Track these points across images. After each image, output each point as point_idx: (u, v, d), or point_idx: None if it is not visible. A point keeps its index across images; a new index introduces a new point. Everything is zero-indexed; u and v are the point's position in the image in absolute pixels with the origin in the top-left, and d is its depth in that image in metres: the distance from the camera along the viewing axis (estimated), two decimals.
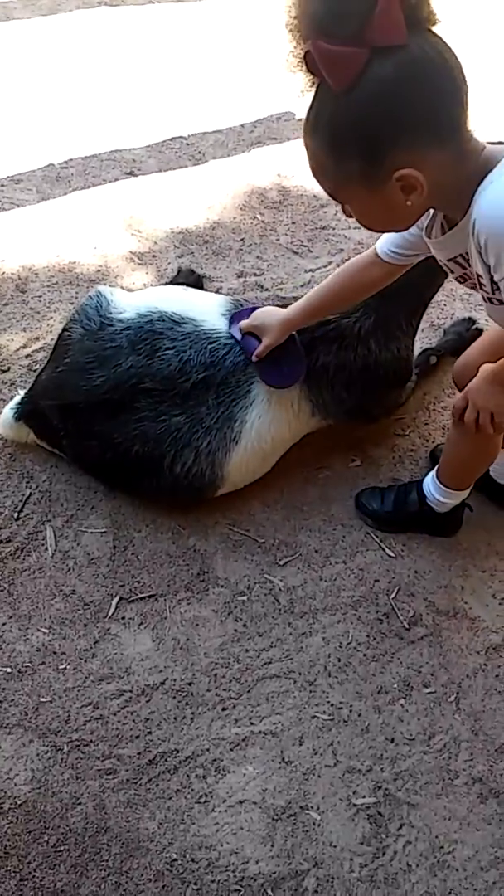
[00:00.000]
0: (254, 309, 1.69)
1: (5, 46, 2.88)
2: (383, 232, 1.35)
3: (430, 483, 1.70)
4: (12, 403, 1.80)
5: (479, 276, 1.18)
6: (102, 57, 2.88)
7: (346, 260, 2.32)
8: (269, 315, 1.64)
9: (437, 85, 0.98)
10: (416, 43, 0.95)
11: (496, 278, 1.13)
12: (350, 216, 1.16)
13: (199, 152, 2.59)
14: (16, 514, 1.74)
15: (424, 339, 2.10)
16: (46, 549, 1.69)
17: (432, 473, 1.69)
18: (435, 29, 0.98)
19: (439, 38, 0.98)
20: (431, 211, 1.25)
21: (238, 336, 1.67)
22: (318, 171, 1.10)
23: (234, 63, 2.93)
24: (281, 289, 2.24)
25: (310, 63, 0.98)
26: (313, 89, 1.04)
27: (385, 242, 1.45)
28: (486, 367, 1.38)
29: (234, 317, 1.70)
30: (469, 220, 1.10)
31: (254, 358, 1.63)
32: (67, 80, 2.78)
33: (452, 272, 1.30)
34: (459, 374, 1.60)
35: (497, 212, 1.06)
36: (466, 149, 1.06)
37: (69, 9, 3.10)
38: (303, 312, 1.61)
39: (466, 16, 3.29)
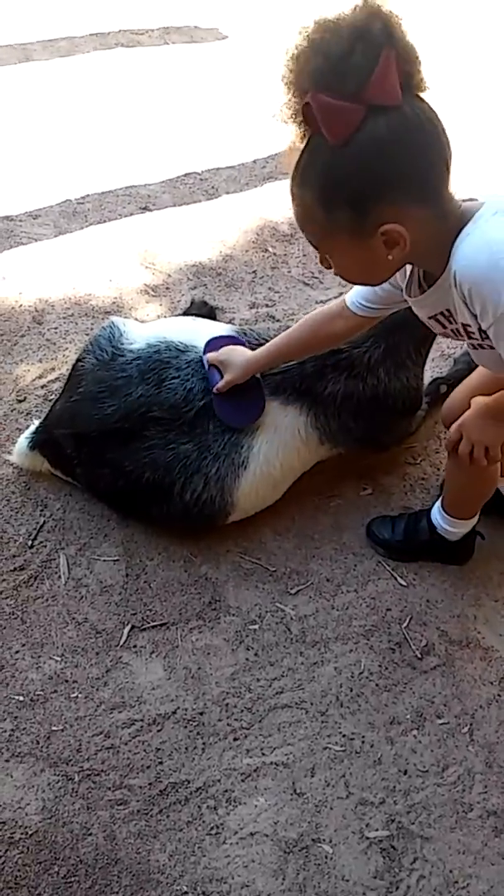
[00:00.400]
0: (230, 339, 1.71)
1: (25, 87, 2.97)
2: (360, 284, 1.38)
3: (436, 513, 1.70)
4: (27, 433, 1.82)
5: (466, 326, 1.21)
6: (119, 96, 2.97)
7: None
8: (235, 353, 1.66)
9: (425, 146, 1.04)
10: (408, 105, 1.01)
11: (483, 326, 1.16)
12: (329, 268, 1.20)
13: (213, 187, 2.65)
14: (30, 542, 1.76)
15: (434, 367, 2.12)
16: (59, 576, 1.71)
17: (438, 503, 1.69)
18: (423, 95, 1.04)
19: (427, 103, 1.04)
20: (408, 270, 1.28)
21: (205, 364, 1.68)
22: (305, 220, 1.14)
23: (246, 101, 3.00)
24: (292, 319, 2.26)
25: (307, 115, 1.03)
26: (302, 142, 1.08)
27: (355, 295, 1.48)
28: (480, 401, 1.39)
29: (209, 343, 1.71)
30: (449, 273, 1.14)
31: (213, 391, 1.65)
32: (84, 119, 2.86)
33: (433, 329, 1.33)
34: (447, 415, 1.61)
35: (475, 259, 1.10)
36: (447, 208, 1.11)
37: (86, 50, 3.20)
38: (267, 355, 1.64)
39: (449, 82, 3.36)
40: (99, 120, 2.86)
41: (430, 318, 1.30)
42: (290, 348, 1.62)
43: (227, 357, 1.66)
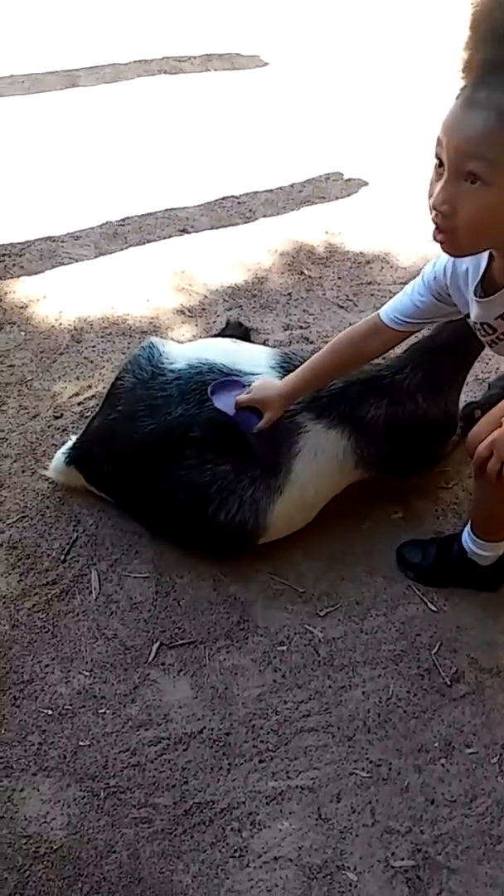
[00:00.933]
0: (236, 383, 1.66)
1: (71, 112, 3.05)
2: (472, 247, 1.23)
3: (466, 537, 1.69)
4: (64, 448, 1.86)
5: None
6: (161, 121, 3.03)
7: None
8: (266, 389, 1.61)
9: None
10: None
11: None
12: (447, 211, 1.10)
13: (250, 210, 2.69)
14: (62, 557, 1.78)
15: (469, 392, 2.11)
16: (91, 592, 1.73)
17: (468, 526, 1.68)
18: None
19: None
20: (481, 268, 1.27)
21: (229, 411, 1.61)
22: (473, 144, 1.04)
23: (284, 127, 3.05)
24: (326, 341, 2.27)
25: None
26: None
27: (391, 311, 1.47)
28: None
29: (215, 388, 1.65)
30: None
31: (254, 431, 1.60)
32: (127, 143, 2.93)
33: (488, 332, 1.32)
34: (474, 437, 1.55)
35: None
36: None
37: (130, 77, 3.28)
38: (302, 382, 1.59)
39: None
40: (141, 144, 2.92)
41: (498, 317, 1.28)
42: (324, 372, 1.61)
43: (261, 395, 1.61)
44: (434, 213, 1.14)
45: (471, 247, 1.21)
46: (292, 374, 1.62)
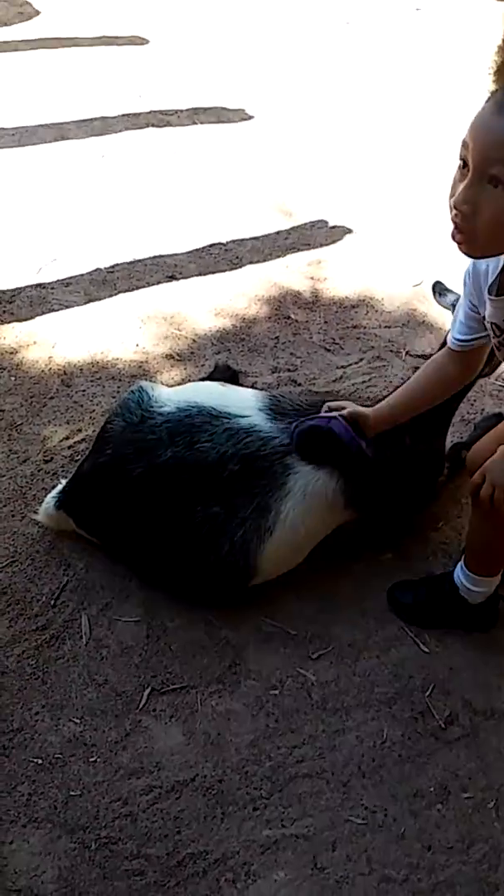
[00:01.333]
0: (319, 417, 1.65)
1: (60, 163, 3.12)
2: (490, 249, 1.26)
3: (459, 572, 1.69)
4: (54, 493, 1.86)
5: None
6: (148, 172, 3.11)
7: (377, 357, 2.42)
8: (361, 409, 1.61)
9: None
10: None
11: None
12: (468, 213, 1.12)
13: (237, 257, 2.74)
14: (52, 602, 1.77)
15: (455, 433, 2.14)
16: (81, 637, 1.71)
17: (461, 562, 1.69)
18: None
19: None
20: (491, 271, 1.29)
21: (322, 422, 1.62)
22: (499, 149, 1.07)
23: (269, 176, 3.13)
24: (313, 384, 2.31)
25: None
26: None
27: (451, 337, 1.50)
28: None
29: (298, 426, 1.66)
30: None
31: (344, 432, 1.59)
32: (115, 193, 2.99)
33: (496, 333, 1.33)
34: (472, 461, 1.62)
35: None
36: None
37: (119, 129, 3.37)
38: (391, 410, 1.60)
39: None
40: (129, 194, 2.99)
41: None
42: (413, 401, 1.60)
43: (357, 412, 1.60)
44: (454, 212, 1.16)
45: (488, 249, 1.23)
46: (383, 403, 1.61)
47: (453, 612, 1.72)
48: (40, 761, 1.52)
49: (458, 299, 1.81)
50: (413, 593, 1.76)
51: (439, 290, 1.87)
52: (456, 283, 1.87)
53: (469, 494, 1.48)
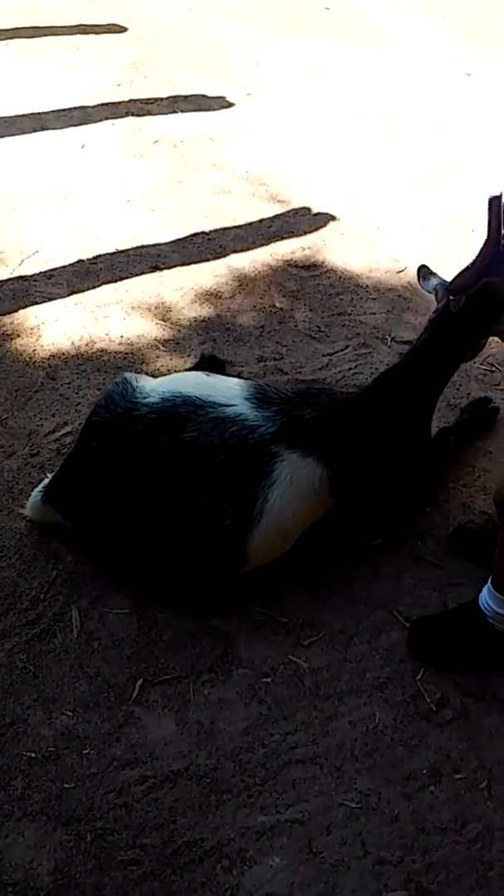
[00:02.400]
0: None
1: (40, 154, 3.09)
2: None
3: (487, 596, 1.59)
4: (40, 486, 1.85)
5: None
6: (129, 161, 3.08)
7: (363, 344, 2.42)
8: None
9: None
10: None
11: None
12: None
13: (220, 246, 2.73)
14: (42, 596, 1.76)
15: (441, 418, 2.14)
16: (72, 630, 1.71)
17: (488, 586, 1.59)
18: None
19: None
20: None
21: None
22: None
23: (251, 164, 3.11)
24: (300, 372, 2.31)
25: None
26: None
27: None
28: None
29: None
30: None
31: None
32: (95, 183, 2.96)
33: None
34: (500, 494, 1.54)
35: None
36: None
37: (98, 119, 3.33)
38: None
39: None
40: (109, 184, 2.97)
41: None
42: None
43: None
44: None
45: None
46: None
47: (479, 640, 1.61)
48: (34, 755, 1.52)
49: (440, 284, 1.81)
50: (437, 627, 1.66)
51: (424, 273, 1.87)
52: (439, 269, 1.87)
53: (498, 518, 1.45)
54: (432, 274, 1.87)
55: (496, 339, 1.85)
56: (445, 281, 1.84)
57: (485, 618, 1.59)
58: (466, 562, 1.85)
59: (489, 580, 1.60)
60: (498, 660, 1.64)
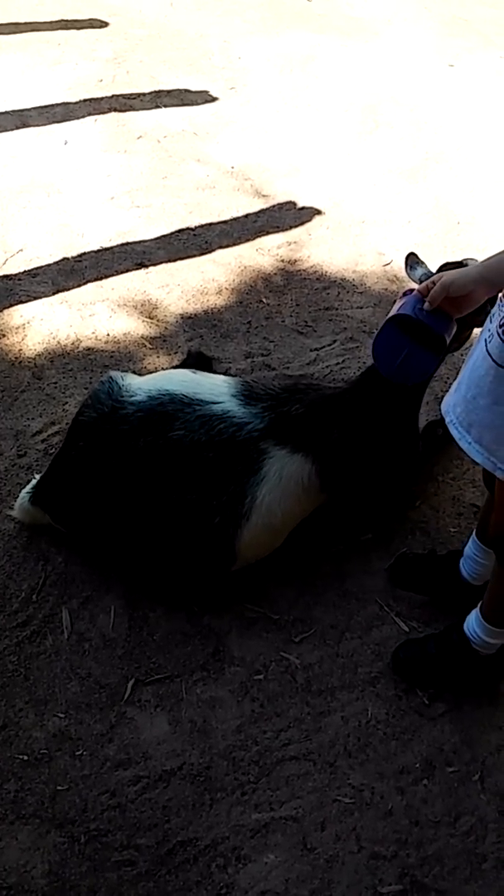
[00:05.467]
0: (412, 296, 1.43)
1: (22, 151, 3.06)
2: None
3: (475, 624, 1.56)
4: (28, 487, 1.84)
5: None
6: (112, 157, 3.06)
7: (350, 338, 2.41)
8: (460, 277, 1.34)
9: None
10: None
11: None
12: None
13: (206, 242, 2.72)
14: (32, 597, 1.75)
15: (429, 411, 2.14)
16: (62, 631, 1.70)
17: (476, 614, 1.57)
18: None
19: None
20: None
21: (409, 311, 1.40)
22: None
23: (235, 158, 3.10)
24: (287, 368, 2.30)
25: None
26: None
27: None
28: None
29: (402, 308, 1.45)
30: None
31: (417, 309, 1.38)
32: (79, 180, 2.94)
33: None
34: (497, 528, 1.51)
35: None
36: None
37: (81, 115, 3.30)
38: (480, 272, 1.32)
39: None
40: (94, 181, 2.94)
41: None
42: None
43: (457, 288, 1.34)
44: None
45: None
46: (492, 257, 1.33)
47: (462, 664, 1.60)
48: (26, 757, 1.52)
49: (425, 274, 1.81)
50: (419, 648, 1.64)
51: (411, 262, 1.86)
52: (425, 261, 1.87)
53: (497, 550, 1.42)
54: (419, 263, 1.87)
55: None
56: (431, 271, 1.84)
57: (469, 643, 1.57)
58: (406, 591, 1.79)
59: (478, 607, 1.57)
60: (480, 683, 1.62)
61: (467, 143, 3.27)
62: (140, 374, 2.00)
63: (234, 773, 1.51)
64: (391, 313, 1.48)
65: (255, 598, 1.77)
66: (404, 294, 1.50)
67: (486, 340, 1.26)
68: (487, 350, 1.25)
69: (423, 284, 1.41)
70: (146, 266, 2.60)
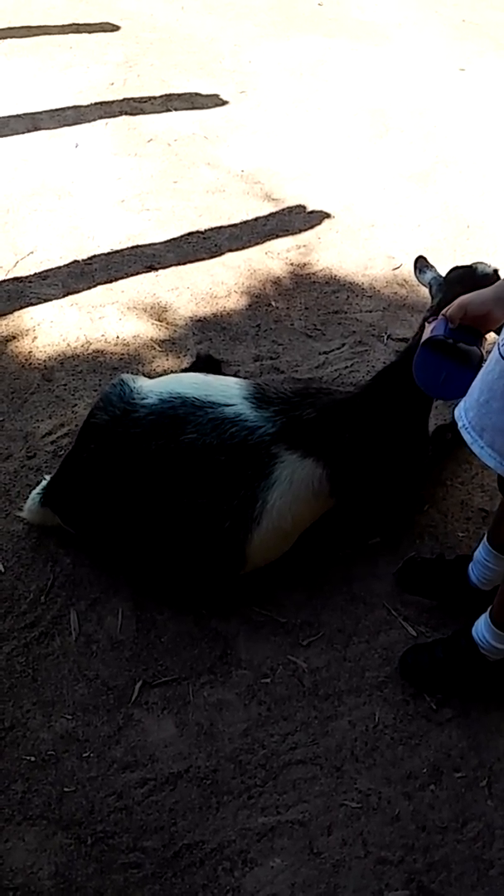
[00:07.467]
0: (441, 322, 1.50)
1: (34, 154, 3.08)
2: None
3: (483, 629, 1.55)
4: (38, 489, 1.84)
5: None
6: (123, 160, 3.07)
7: (359, 342, 2.41)
8: (479, 300, 1.42)
9: None
10: None
11: None
12: None
13: (216, 245, 2.72)
14: (41, 598, 1.76)
15: (438, 415, 2.14)
16: (70, 633, 1.70)
17: (485, 619, 1.56)
18: None
19: None
20: None
21: (440, 333, 1.48)
22: None
23: (245, 162, 3.10)
24: (296, 371, 2.31)
25: None
26: None
27: None
28: None
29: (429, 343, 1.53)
30: None
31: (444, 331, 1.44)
32: (90, 183, 2.95)
33: None
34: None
35: None
36: None
37: (92, 118, 3.32)
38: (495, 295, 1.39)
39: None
40: (104, 183, 2.96)
41: None
42: None
43: (475, 309, 1.40)
44: None
45: None
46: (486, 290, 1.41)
47: (470, 669, 1.59)
48: (33, 758, 1.52)
49: (435, 279, 1.81)
50: (427, 653, 1.63)
51: (420, 266, 1.86)
52: (434, 265, 1.87)
53: None
54: (429, 266, 1.87)
55: (492, 333, 1.85)
56: (440, 276, 1.84)
57: (477, 648, 1.57)
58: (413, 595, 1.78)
59: (487, 612, 1.56)
60: (488, 688, 1.61)
61: (477, 147, 3.27)
62: (150, 377, 2.00)
63: (241, 777, 1.51)
64: (423, 338, 1.56)
65: (263, 601, 1.77)
66: (431, 320, 1.58)
67: (499, 346, 1.27)
68: (501, 355, 1.25)
69: (447, 309, 1.48)
70: (156, 269, 2.61)
